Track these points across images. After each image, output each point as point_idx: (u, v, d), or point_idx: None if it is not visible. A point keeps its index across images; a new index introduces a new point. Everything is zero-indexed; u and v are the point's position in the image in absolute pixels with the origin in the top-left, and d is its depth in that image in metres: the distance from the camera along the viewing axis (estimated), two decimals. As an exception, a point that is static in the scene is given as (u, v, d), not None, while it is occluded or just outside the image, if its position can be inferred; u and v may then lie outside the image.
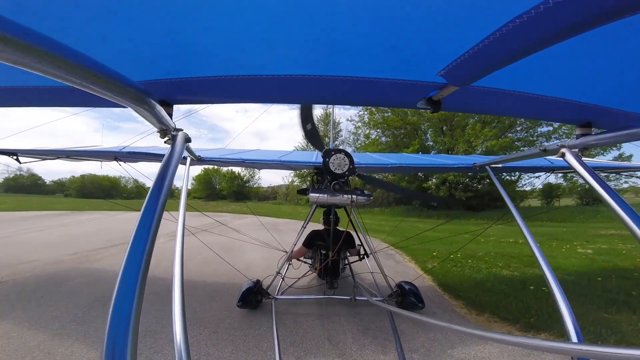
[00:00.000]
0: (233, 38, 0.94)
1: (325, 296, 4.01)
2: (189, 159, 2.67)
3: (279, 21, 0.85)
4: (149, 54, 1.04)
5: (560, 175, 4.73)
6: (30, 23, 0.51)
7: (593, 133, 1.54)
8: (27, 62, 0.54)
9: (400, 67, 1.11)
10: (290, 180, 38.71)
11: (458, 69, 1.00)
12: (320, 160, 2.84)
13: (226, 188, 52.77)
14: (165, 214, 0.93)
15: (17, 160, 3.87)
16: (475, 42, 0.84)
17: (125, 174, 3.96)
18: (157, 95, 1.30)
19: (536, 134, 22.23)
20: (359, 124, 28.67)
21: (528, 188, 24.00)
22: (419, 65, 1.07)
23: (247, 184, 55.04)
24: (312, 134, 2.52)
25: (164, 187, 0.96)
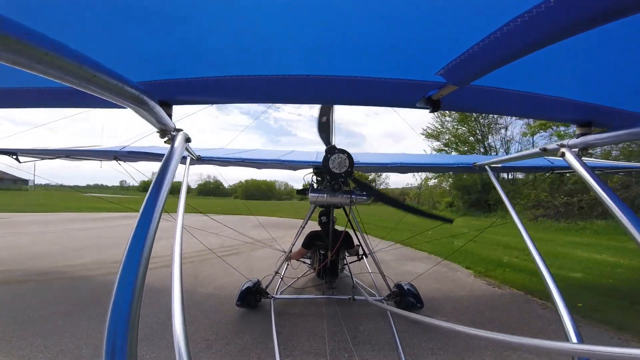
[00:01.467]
0: (232, 38, 0.94)
1: (324, 296, 4.01)
2: (188, 159, 2.67)
3: (278, 21, 0.85)
4: (148, 55, 1.04)
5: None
6: (30, 23, 0.51)
7: (593, 133, 1.53)
8: (28, 62, 0.54)
9: (399, 67, 1.11)
10: (424, 177, 29.19)
11: (457, 68, 1.00)
12: (320, 160, 2.83)
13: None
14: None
15: (17, 159, 3.86)
16: (475, 42, 0.84)
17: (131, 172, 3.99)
18: (156, 95, 1.30)
19: None
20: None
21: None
22: (418, 65, 1.07)
23: (373, 184, 48.90)
24: (324, 129, 2.67)
25: (163, 186, 0.96)
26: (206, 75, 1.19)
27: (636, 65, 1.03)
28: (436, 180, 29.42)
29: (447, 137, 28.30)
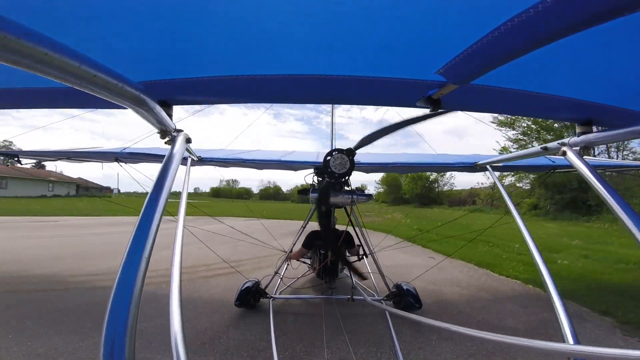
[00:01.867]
0: (232, 38, 0.94)
1: (323, 296, 4.00)
2: (189, 160, 2.67)
3: (278, 21, 0.85)
4: (148, 55, 1.04)
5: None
6: (30, 23, 0.51)
7: (594, 131, 1.53)
8: (28, 62, 0.54)
9: (399, 66, 1.11)
10: (498, 176, 15.77)
11: (457, 66, 1.00)
12: (321, 160, 2.83)
13: (408, 191, 42.68)
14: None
15: (19, 161, 3.88)
16: (475, 40, 0.84)
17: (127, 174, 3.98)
18: (156, 95, 1.30)
19: None
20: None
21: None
22: (418, 64, 1.07)
23: (436, 185, 43.37)
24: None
25: (164, 188, 0.96)
26: (206, 75, 1.19)
27: (636, 64, 1.02)
28: (513, 179, 22.07)
29: (525, 125, 22.62)
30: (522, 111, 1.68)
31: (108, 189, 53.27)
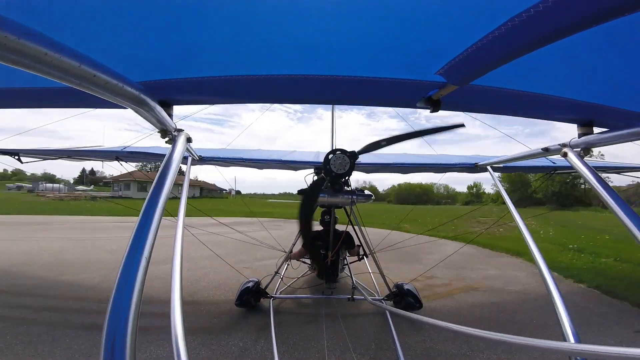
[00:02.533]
0: (232, 38, 0.94)
1: (323, 296, 4.00)
2: (189, 159, 2.67)
3: (278, 21, 0.85)
4: (148, 55, 1.04)
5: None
6: (30, 23, 0.51)
7: (595, 132, 1.53)
8: (28, 62, 0.54)
9: (399, 67, 1.11)
10: None
11: (457, 67, 1.00)
12: (321, 160, 2.83)
13: (541, 188, 31.05)
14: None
15: (19, 160, 3.88)
16: (474, 41, 0.84)
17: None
18: (156, 95, 1.31)
19: None
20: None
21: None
22: (418, 64, 1.07)
23: (581, 181, 29.36)
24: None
25: (164, 186, 0.96)
26: (206, 75, 1.19)
27: (637, 65, 1.02)
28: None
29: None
30: (522, 112, 1.68)
31: (224, 190, 60.29)
